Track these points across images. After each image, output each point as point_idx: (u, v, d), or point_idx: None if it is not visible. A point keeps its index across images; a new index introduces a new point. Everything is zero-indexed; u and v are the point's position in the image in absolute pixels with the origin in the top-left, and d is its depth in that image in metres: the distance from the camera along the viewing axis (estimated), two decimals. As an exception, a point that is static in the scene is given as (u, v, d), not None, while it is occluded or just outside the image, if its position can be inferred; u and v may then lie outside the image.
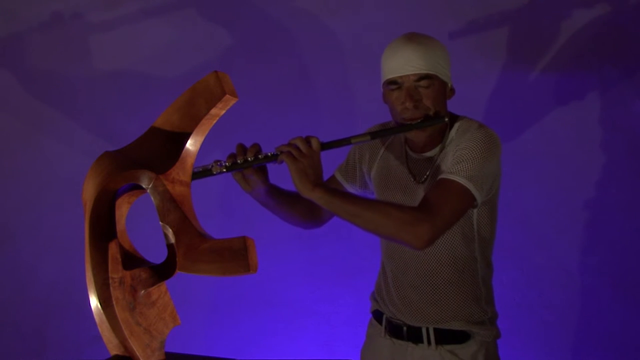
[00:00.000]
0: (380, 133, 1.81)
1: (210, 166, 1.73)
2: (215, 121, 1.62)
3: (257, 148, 1.75)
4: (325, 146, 1.73)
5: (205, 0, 2.90)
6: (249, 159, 1.73)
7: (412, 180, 1.89)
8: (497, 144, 1.78)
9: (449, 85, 1.84)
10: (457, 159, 1.74)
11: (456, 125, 1.85)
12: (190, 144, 1.61)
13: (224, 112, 1.62)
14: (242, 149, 1.76)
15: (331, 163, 2.08)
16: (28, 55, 2.93)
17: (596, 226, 2.75)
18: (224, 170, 1.73)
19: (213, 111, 1.59)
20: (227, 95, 1.57)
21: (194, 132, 1.60)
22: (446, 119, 1.80)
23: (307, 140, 1.71)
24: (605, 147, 2.72)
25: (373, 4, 2.82)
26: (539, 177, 2.77)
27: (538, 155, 2.76)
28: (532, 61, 2.74)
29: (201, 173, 1.71)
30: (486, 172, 1.75)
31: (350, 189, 2.07)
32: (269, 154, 1.72)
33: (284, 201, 1.93)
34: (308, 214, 1.99)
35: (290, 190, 1.84)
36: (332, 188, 1.71)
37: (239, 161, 1.74)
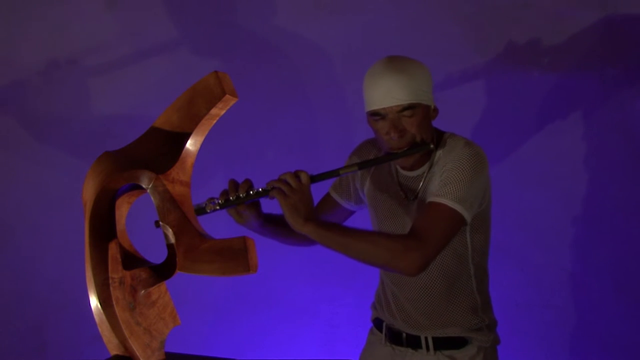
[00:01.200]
0: (367, 163, 1.83)
1: (204, 204, 1.76)
2: (215, 121, 1.62)
3: (248, 184, 1.78)
4: (314, 179, 1.75)
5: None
6: (241, 195, 1.76)
7: (404, 197, 1.90)
8: (483, 161, 1.79)
9: (432, 106, 1.83)
10: (444, 181, 1.75)
11: (442, 143, 1.85)
12: (190, 144, 1.62)
13: (224, 112, 1.62)
14: (234, 184, 1.79)
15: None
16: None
17: (596, 226, 2.75)
18: (217, 207, 1.76)
19: (213, 111, 1.59)
20: (227, 95, 1.58)
21: (194, 132, 1.60)
22: (431, 146, 1.80)
23: (296, 175, 1.72)
24: (605, 147, 2.72)
25: (372, 4, 2.82)
26: (538, 177, 2.77)
27: (538, 155, 2.76)
28: (532, 61, 2.74)
29: (195, 212, 1.73)
30: (474, 191, 1.76)
31: (346, 205, 2.08)
32: (260, 189, 1.75)
33: (279, 230, 1.96)
34: (304, 237, 1.99)
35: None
36: (323, 221, 1.73)
37: (231, 198, 1.77)
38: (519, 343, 2.77)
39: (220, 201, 1.76)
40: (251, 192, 1.75)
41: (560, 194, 2.76)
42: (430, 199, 1.75)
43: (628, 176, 2.71)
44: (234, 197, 1.76)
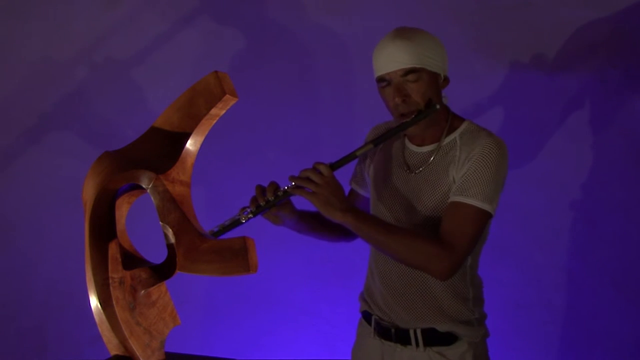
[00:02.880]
0: (380, 138, 1.83)
1: (238, 216, 1.76)
2: (215, 121, 1.62)
3: (274, 186, 1.79)
4: (334, 167, 1.75)
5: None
6: (271, 198, 1.77)
7: (407, 170, 1.90)
8: (506, 154, 1.80)
9: (442, 75, 1.83)
10: (470, 180, 1.75)
11: (460, 128, 1.85)
12: (190, 144, 1.62)
13: (224, 112, 1.62)
14: (261, 189, 1.80)
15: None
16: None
17: (596, 226, 2.75)
18: (251, 216, 1.77)
19: (213, 111, 1.59)
20: (227, 95, 1.58)
21: (194, 132, 1.60)
22: (437, 106, 1.80)
23: (316, 169, 1.72)
24: (605, 147, 2.72)
25: (373, 4, 2.82)
26: (538, 177, 2.77)
27: (538, 155, 2.76)
28: (533, 61, 2.74)
29: (231, 225, 1.75)
30: (499, 185, 1.79)
31: (367, 194, 2.08)
32: (287, 188, 1.75)
33: (316, 224, 1.98)
34: (344, 231, 2.02)
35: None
36: (362, 213, 1.74)
37: (261, 204, 1.77)
38: (519, 343, 2.77)
39: (252, 209, 1.77)
40: (279, 194, 1.76)
41: (560, 194, 2.76)
42: (458, 198, 1.76)
43: (628, 176, 2.72)
44: (264, 202, 1.77)
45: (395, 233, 1.74)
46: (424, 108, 1.79)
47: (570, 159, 2.75)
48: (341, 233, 2.05)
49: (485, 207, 1.74)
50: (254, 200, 1.79)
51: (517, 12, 2.72)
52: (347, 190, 2.10)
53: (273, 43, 2.91)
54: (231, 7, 2.91)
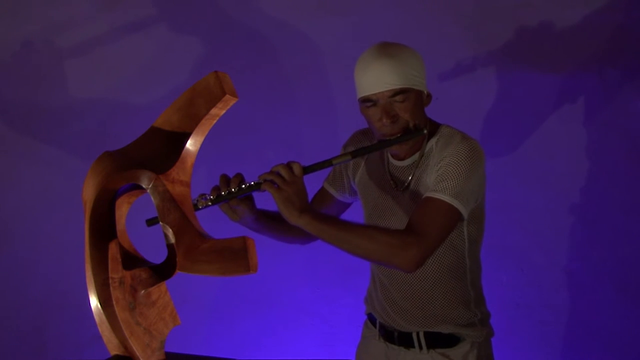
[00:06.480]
0: (360, 151, 1.79)
1: (195, 201, 1.71)
2: (215, 121, 1.62)
3: (240, 178, 1.75)
4: (307, 170, 1.72)
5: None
6: (233, 189, 1.73)
7: (394, 187, 1.88)
8: (480, 156, 1.77)
9: (425, 92, 1.81)
10: (441, 176, 1.73)
11: (437, 134, 1.84)
12: (190, 144, 1.62)
13: (223, 112, 1.62)
14: (226, 179, 1.75)
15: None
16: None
17: (596, 226, 2.75)
18: (210, 203, 1.73)
19: (213, 111, 1.59)
20: (227, 95, 1.58)
21: (194, 132, 1.60)
22: (425, 132, 1.78)
23: (288, 166, 1.69)
24: (605, 147, 2.72)
25: (371, 4, 2.82)
26: (538, 177, 2.77)
27: (538, 155, 2.76)
28: (532, 61, 2.74)
29: None
30: (471, 186, 1.75)
31: (341, 198, 2.06)
32: (252, 183, 1.72)
33: (274, 225, 1.93)
34: (300, 233, 1.94)
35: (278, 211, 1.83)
36: (319, 213, 1.70)
37: (223, 193, 1.73)
38: (519, 343, 2.77)
39: (212, 197, 1.73)
40: (243, 186, 1.72)
41: (560, 194, 2.76)
42: (427, 194, 1.74)
43: (628, 176, 2.72)
44: (226, 192, 1.73)
45: (355, 228, 1.69)
46: (413, 128, 1.77)
47: (570, 158, 2.75)
48: (297, 235, 1.98)
49: (454, 202, 1.70)
50: (216, 189, 1.75)
51: (517, 12, 2.72)
52: (317, 188, 2.09)
53: (270, 42, 2.91)
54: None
